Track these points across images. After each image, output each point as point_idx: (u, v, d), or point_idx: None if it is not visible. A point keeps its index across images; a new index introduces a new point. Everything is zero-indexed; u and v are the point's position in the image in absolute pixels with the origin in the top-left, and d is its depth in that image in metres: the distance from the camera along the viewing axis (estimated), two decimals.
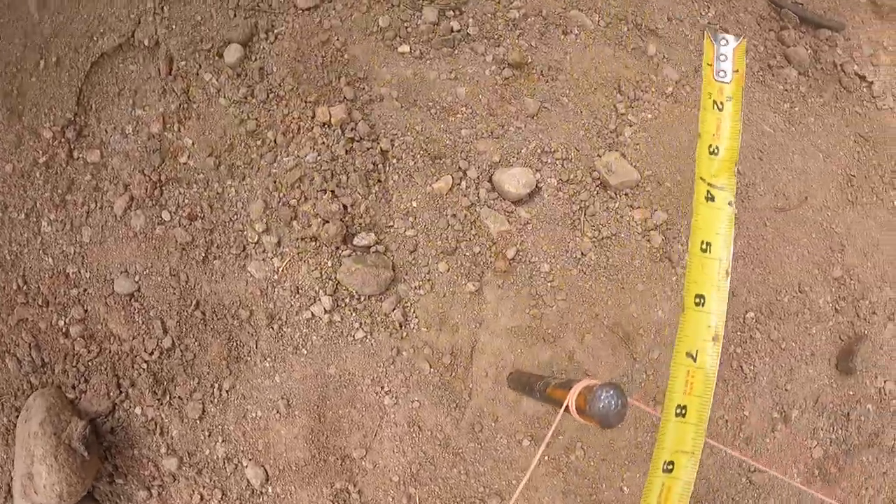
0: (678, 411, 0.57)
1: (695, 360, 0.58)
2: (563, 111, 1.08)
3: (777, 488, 1.07)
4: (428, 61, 1.08)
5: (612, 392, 0.55)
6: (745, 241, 1.10)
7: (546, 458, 0.97)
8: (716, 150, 0.63)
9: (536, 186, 1.01)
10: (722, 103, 0.65)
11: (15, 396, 0.98)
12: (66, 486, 0.88)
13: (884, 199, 1.26)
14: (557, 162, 1.04)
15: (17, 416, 0.98)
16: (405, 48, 1.08)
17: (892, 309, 1.20)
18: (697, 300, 0.59)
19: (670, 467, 0.57)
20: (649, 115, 1.11)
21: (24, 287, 1.00)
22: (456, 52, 1.08)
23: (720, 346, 0.58)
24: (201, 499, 0.95)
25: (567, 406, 0.59)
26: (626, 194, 1.05)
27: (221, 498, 0.95)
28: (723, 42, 0.66)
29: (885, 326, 1.19)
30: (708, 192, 0.62)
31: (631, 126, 1.09)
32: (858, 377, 1.15)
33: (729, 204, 0.62)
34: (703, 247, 0.62)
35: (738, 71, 0.65)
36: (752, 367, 1.05)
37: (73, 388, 0.99)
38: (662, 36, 1.19)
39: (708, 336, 0.58)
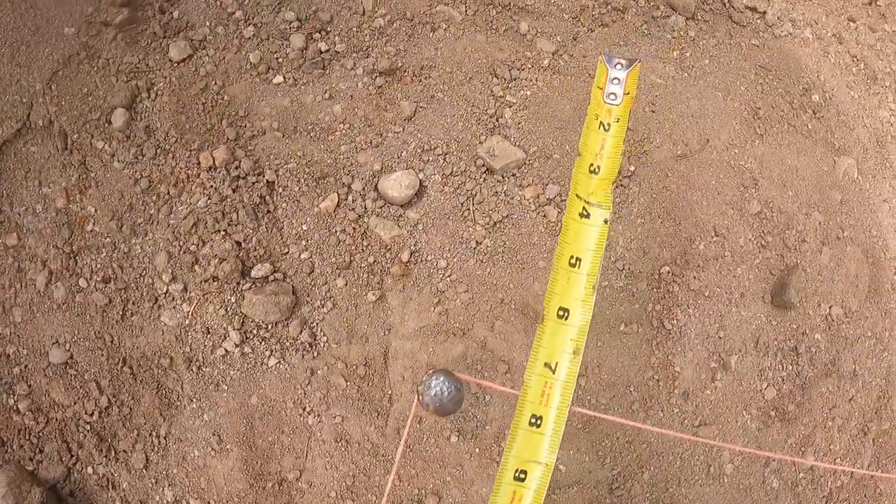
0: (532, 421, 0.57)
1: (553, 371, 0.58)
2: (439, 107, 1.10)
3: (731, 436, 1.06)
4: (302, 86, 1.12)
5: (441, 379, 0.57)
6: (648, 197, 1.09)
7: (477, 450, 0.99)
8: (596, 169, 0.64)
9: (421, 186, 1.04)
10: (609, 124, 0.66)
11: None
12: None
13: (796, 124, 1.23)
14: (439, 158, 1.07)
15: None
16: (279, 78, 1.13)
17: (825, 233, 1.17)
18: (561, 313, 0.59)
19: (522, 476, 0.56)
20: (528, 92, 1.12)
21: None
22: (327, 71, 1.12)
23: (579, 359, 0.59)
24: None
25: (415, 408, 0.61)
26: (513, 175, 1.06)
27: None
28: (617, 66, 0.67)
29: (820, 252, 1.16)
30: (584, 209, 0.63)
31: (510, 107, 1.11)
32: (799, 309, 1.12)
33: (605, 221, 0.63)
34: (573, 262, 0.62)
35: (628, 94, 0.67)
36: (675, 322, 1.04)
37: (31, 459, 1.06)
38: (533, 11, 1.20)
39: (569, 349, 0.59)
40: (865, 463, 1.15)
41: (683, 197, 1.10)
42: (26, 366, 1.08)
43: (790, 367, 1.10)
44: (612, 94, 0.67)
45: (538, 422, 0.57)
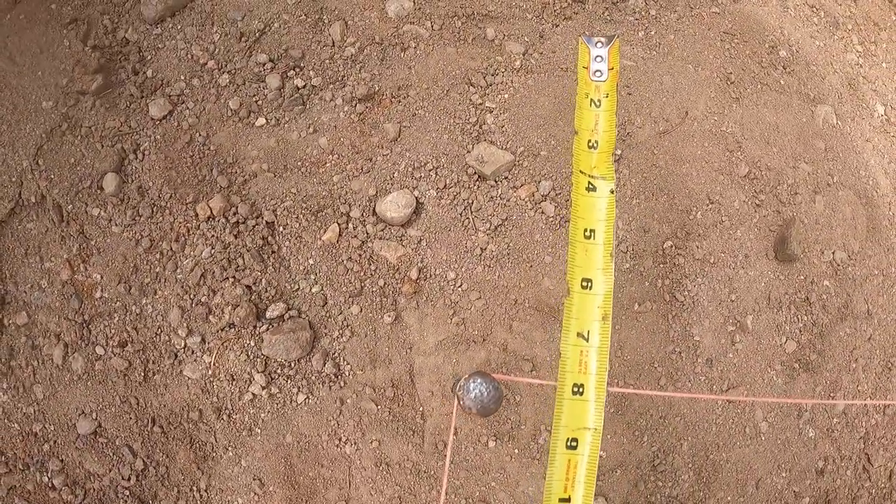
0: (575, 390, 0.61)
1: (586, 339, 0.62)
2: (422, 124, 1.15)
3: (759, 390, 1.09)
4: (285, 125, 1.17)
5: (479, 381, 0.60)
6: (639, 176, 1.14)
7: (516, 451, 1.02)
8: (595, 144, 0.68)
9: (417, 203, 1.08)
10: (599, 100, 0.70)
11: None
12: None
13: (768, 82, 1.29)
14: (430, 173, 1.11)
15: None
16: (262, 121, 1.17)
17: (815, 182, 1.22)
18: (584, 283, 0.63)
19: (574, 444, 0.60)
20: (506, 95, 1.17)
21: (3, 458, 1.11)
22: (307, 106, 1.17)
23: (609, 324, 0.62)
24: None
25: (456, 406, 0.64)
26: (505, 178, 1.11)
27: None
28: (598, 45, 0.71)
29: (814, 201, 1.21)
30: (589, 183, 0.66)
31: (491, 112, 1.15)
32: (804, 259, 1.17)
33: (611, 191, 0.66)
34: (587, 234, 0.66)
35: (613, 68, 0.70)
36: (686, 293, 1.08)
37: None
38: (497, 16, 1.25)
39: (597, 316, 0.62)
40: None
41: (673, 171, 1.15)
42: (55, 441, 1.10)
43: (805, 318, 1.14)
44: (597, 71, 0.71)
45: (580, 390, 0.61)
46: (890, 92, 1.46)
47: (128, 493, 1.06)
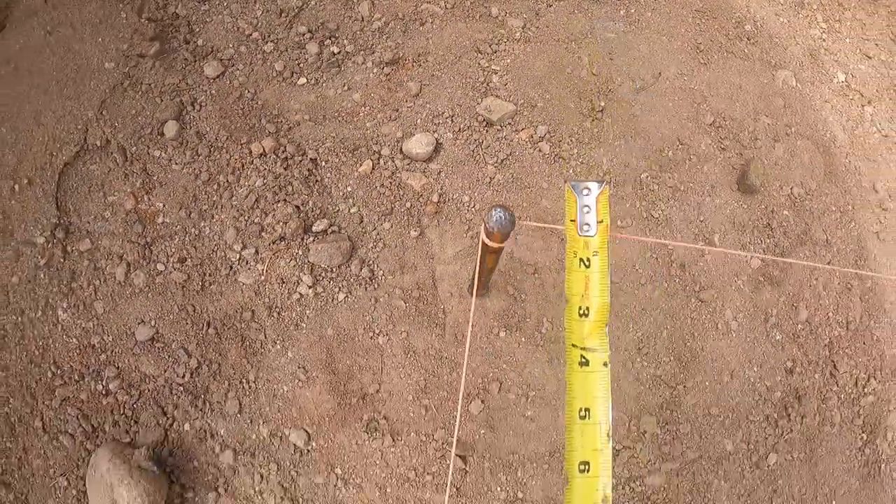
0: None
1: None
2: (439, 83, 1.93)
3: (728, 298, 1.79)
4: (323, 84, 1.93)
5: (499, 210, 1.27)
6: (620, 125, 1.92)
7: (523, 339, 1.68)
8: (586, 312, 0.82)
9: (437, 143, 1.83)
10: (588, 259, 0.83)
11: (77, 467, 1.67)
12: (146, 498, 1.55)
13: (733, 51, 2.12)
14: (447, 120, 1.87)
15: (85, 485, 1.66)
16: (302, 80, 1.94)
17: (774, 132, 2.02)
18: (582, 467, 0.77)
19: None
20: (508, 60, 1.97)
21: (59, 371, 1.73)
22: (342, 69, 1.94)
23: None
24: (261, 477, 1.62)
25: (483, 241, 1.31)
26: (508, 124, 1.87)
27: (277, 469, 1.62)
28: (585, 192, 0.85)
29: (773, 147, 1.99)
30: (581, 356, 0.80)
31: (496, 73, 1.95)
32: (763, 192, 1.92)
33: (604, 365, 0.80)
34: (582, 414, 0.79)
35: (602, 221, 0.84)
36: (660, 211, 1.81)
37: (127, 432, 1.68)
38: None
39: (598, 499, 0.76)
40: (857, 315, 1.90)
41: (648, 119, 1.93)
42: (112, 350, 1.73)
43: (767, 241, 1.87)
44: (585, 224, 0.84)
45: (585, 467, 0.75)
46: (852, 62, 2.31)
47: (181, 390, 1.67)
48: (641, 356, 1.68)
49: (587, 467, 0.79)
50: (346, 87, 1.92)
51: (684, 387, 1.69)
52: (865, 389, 1.87)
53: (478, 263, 1.32)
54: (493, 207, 1.15)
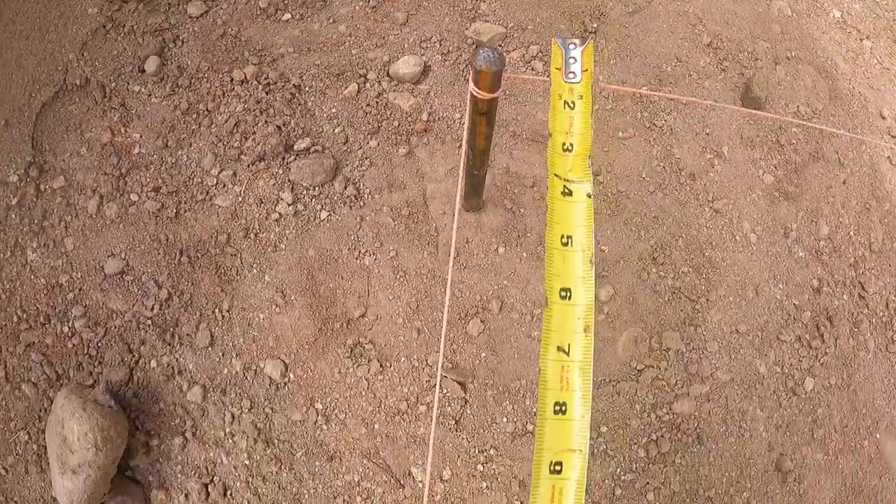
0: (556, 409, 0.65)
1: (567, 353, 0.68)
2: (427, 12, 1.74)
3: (744, 209, 1.52)
4: (308, 19, 1.74)
5: (485, 49, 1.00)
6: (614, 44, 1.71)
7: (525, 255, 1.41)
8: (570, 147, 0.80)
9: (425, 65, 1.62)
10: (573, 102, 0.82)
11: (39, 419, 1.37)
12: (99, 434, 1.24)
13: None
14: (435, 44, 1.66)
15: (45, 439, 1.35)
16: (287, 16, 1.75)
17: (774, 55, 1.80)
18: (563, 293, 0.71)
19: (558, 468, 0.63)
20: None
21: (24, 315, 1.45)
22: (327, 2, 1.76)
23: (591, 337, 0.69)
24: (232, 417, 1.31)
25: (472, 93, 1.05)
26: (499, 45, 1.66)
27: (250, 407, 1.31)
28: (571, 46, 0.85)
29: (775, 69, 1.77)
30: (565, 187, 0.77)
31: (484, 1, 1.75)
32: (769, 108, 1.68)
33: (588, 196, 0.76)
34: (564, 241, 0.75)
35: (587, 70, 0.84)
36: (663, 121, 1.57)
37: (90, 374, 1.39)
38: None
39: (579, 328, 0.69)
40: (879, 237, 1.61)
41: (644, 39, 1.72)
42: (80, 288, 1.46)
43: (779, 157, 1.62)
44: (571, 72, 0.84)
45: (563, 408, 0.67)
46: (846, 1, 2.12)
47: (149, 324, 1.39)
48: (657, 266, 1.40)
49: (568, 294, 0.73)
50: (331, 21, 1.73)
51: (707, 300, 1.40)
52: None
53: (466, 131, 1.07)
54: (478, 48, 0.92)
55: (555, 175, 0.79)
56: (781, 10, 1.93)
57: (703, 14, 1.81)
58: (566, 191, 0.78)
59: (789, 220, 1.55)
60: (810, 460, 1.44)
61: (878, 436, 1.51)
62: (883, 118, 1.87)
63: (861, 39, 1.99)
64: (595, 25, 1.72)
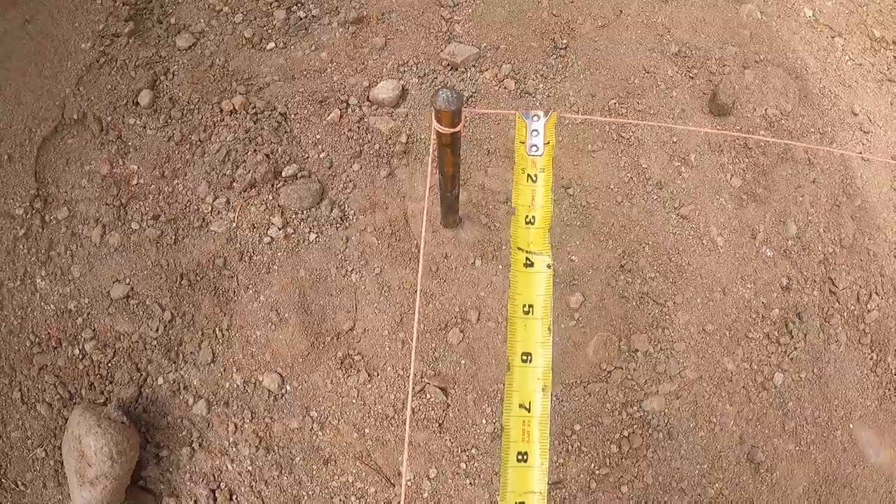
0: (519, 458, 0.77)
1: (528, 410, 0.79)
2: (403, 36, 1.87)
3: (711, 214, 1.64)
4: (291, 47, 1.88)
5: (444, 90, 1.11)
6: (585, 58, 1.83)
7: (500, 267, 1.54)
8: (532, 220, 0.87)
9: (403, 89, 1.75)
10: (535, 175, 0.88)
11: (54, 436, 1.53)
12: (114, 447, 1.40)
13: None
14: (412, 67, 1.80)
15: (62, 455, 1.52)
16: (271, 45, 1.89)
17: (742, 59, 1.91)
18: (524, 357, 0.81)
19: None
20: (469, 10, 1.91)
21: (36, 339, 1.62)
22: (309, 31, 1.90)
23: (549, 396, 0.81)
24: (235, 427, 1.47)
25: (435, 129, 1.17)
26: (473, 66, 1.79)
27: (251, 417, 1.46)
28: (534, 119, 0.92)
29: (743, 74, 1.88)
30: (527, 258, 0.85)
31: (458, 23, 1.88)
32: (737, 113, 1.79)
33: (548, 266, 0.85)
34: (526, 309, 0.87)
35: (548, 143, 0.91)
36: (630, 133, 1.69)
37: (102, 393, 1.55)
38: None
39: (538, 388, 0.79)
40: (850, 233, 1.73)
41: (613, 52, 1.84)
42: (89, 313, 1.62)
43: (746, 160, 1.74)
44: (533, 146, 0.91)
45: (525, 457, 0.79)
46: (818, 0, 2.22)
47: (155, 344, 1.55)
48: (625, 273, 1.53)
49: (529, 358, 0.82)
50: (313, 48, 1.87)
51: (674, 303, 1.52)
52: (868, 305, 1.69)
53: (436, 159, 1.21)
54: (437, 90, 1.05)
55: (517, 248, 0.87)
56: (751, 13, 2.03)
57: (671, 23, 1.93)
58: (528, 262, 0.85)
59: (757, 221, 1.67)
60: (782, 451, 1.57)
61: (851, 426, 1.63)
62: (854, 114, 1.98)
63: (833, 37, 2.09)
64: (565, 42, 1.84)
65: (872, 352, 1.66)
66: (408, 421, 1.08)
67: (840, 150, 1.82)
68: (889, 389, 1.64)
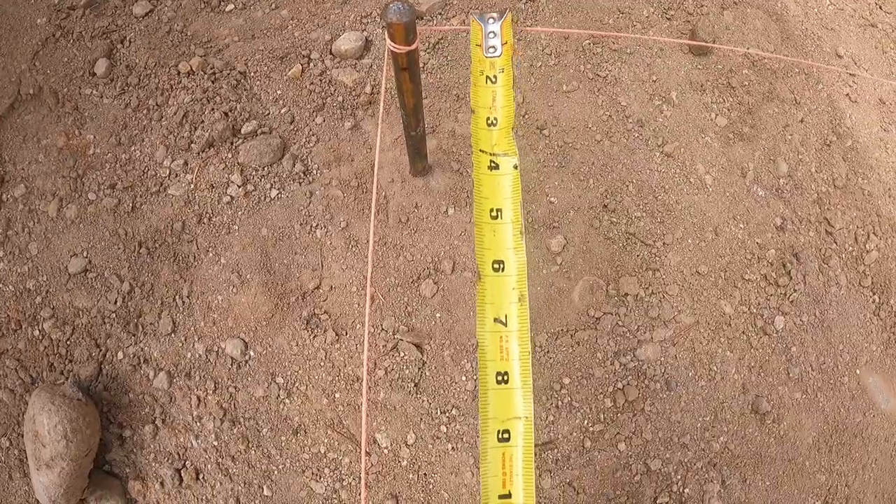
0: (499, 379, 0.68)
1: (505, 324, 0.70)
2: None
3: (697, 152, 1.52)
4: (251, 7, 1.78)
5: (396, 2, 0.98)
6: (555, 2, 1.72)
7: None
8: (494, 122, 0.82)
9: (366, 40, 1.64)
10: (495, 76, 0.84)
11: (18, 424, 1.41)
12: (68, 425, 1.27)
13: None
14: (376, 18, 1.69)
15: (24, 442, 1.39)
16: (230, 6, 1.79)
17: (720, 1, 1.79)
18: (496, 266, 0.73)
19: (506, 436, 0.65)
20: None
21: None
22: None
23: (526, 306, 0.70)
24: (198, 400, 1.34)
25: (389, 49, 1.05)
26: (439, 13, 1.69)
27: (214, 388, 1.34)
28: (490, 21, 0.88)
29: (722, 14, 1.77)
30: (491, 161, 0.80)
31: None
32: (717, 53, 1.68)
33: (514, 167, 0.79)
34: (494, 214, 0.79)
35: (506, 43, 0.86)
36: (607, 72, 1.58)
37: (62, 373, 1.42)
38: None
39: (514, 298, 0.71)
40: (843, 173, 1.60)
41: None
42: (47, 291, 1.50)
43: (731, 99, 1.62)
44: (491, 47, 0.86)
45: (505, 378, 0.69)
46: None
47: (114, 317, 1.43)
48: (609, 213, 1.41)
49: (501, 266, 0.75)
50: (273, 7, 1.76)
51: (663, 243, 1.40)
52: (867, 246, 1.56)
53: (395, 91, 1.08)
54: (388, 3, 0.94)
55: (480, 150, 0.82)
56: None
57: None
58: (493, 165, 0.80)
59: (746, 160, 1.55)
60: (788, 400, 1.43)
61: (858, 371, 1.50)
62: (839, 56, 1.86)
63: None
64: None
65: (874, 294, 1.53)
66: (364, 381, 0.95)
67: (825, 66, 1.70)
68: (894, 333, 1.51)
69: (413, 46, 1.04)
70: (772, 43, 1.78)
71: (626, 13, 1.70)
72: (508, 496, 0.64)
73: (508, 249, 0.74)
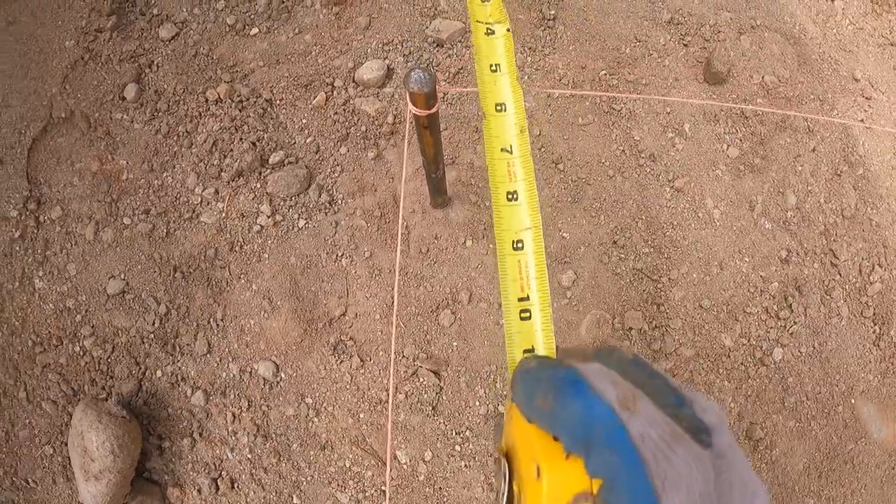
0: (509, 196, 0.79)
1: (510, 152, 0.82)
2: (387, 15, 1.81)
3: (707, 186, 1.58)
4: (275, 31, 1.83)
5: (416, 70, 1.10)
6: (573, 30, 1.75)
7: (491, 246, 1.50)
8: None
9: (388, 68, 1.69)
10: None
11: (60, 433, 1.54)
12: (115, 442, 1.40)
13: None
14: (397, 46, 1.74)
15: (68, 451, 1.53)
16: (255, 31, 1.84)
17: (738, 25, 1.82)
18: (498, 107, 0.85)
19: (520, 245, 0.78)
20: None
21: (38, 339, 1.62)
22: (292, 14, 1.84)
23: (526, 137, 0.82)
24: (233, 416, 1.46)
25: (412, 112, 1.14)
26: (458, 41, 1.73)
27: (248, 406, 1.46)
28: None
29: (739, 40, 1.79)
30: (487, 28, 0.92)
31: None
32: (732, 81, 1.72)
33: (507, 30, 0.92)
34: (493, 68, 0.94)
35: None
36: (623, 106, 1.63)
37: (103, 388, 1.55)
38: None
39: (514, 132, 0.84)
40: (853, 203, 1.66)
41: (602, 22, 1.76)
42: (87, 310, 1.62)
43: (744, 130, 1.66)
44: None
45: (514, 196, 0.82)
46: None
47: (152, 338, 1.54)
48: (618, 249, 1.48)
49: (503, 107, 0.85)
50: (297, 31, 1.81)
51: (669, 279, 1.48)
52: (871, 278, 1.62)
53: (417, 143, 1.16)
54: (409, 71, 1.01)
55: (477, 21, 0.93)
56: None
57: None
58: (489, 31, 0.92)
59: (755, 193, 1.61)
60: (782, 428, 1.53)
61: (853, 401, 1.59)
62: (856, 80, 1.88)
63: (832, 0, 1.99)
64: (553, 13, 1.77)
65: (875, 325, 1.61)
66: (390, 403, 1.05)
67: (841, 120, 1.73)
68: (892, 363, 1.59)
69: (434, 110, 1.11)
70: (788, 69, 1.80)
71: (643, 41, 1.73)
72: (527, 298, 0.70)
73: (507, 95, 0.86)
